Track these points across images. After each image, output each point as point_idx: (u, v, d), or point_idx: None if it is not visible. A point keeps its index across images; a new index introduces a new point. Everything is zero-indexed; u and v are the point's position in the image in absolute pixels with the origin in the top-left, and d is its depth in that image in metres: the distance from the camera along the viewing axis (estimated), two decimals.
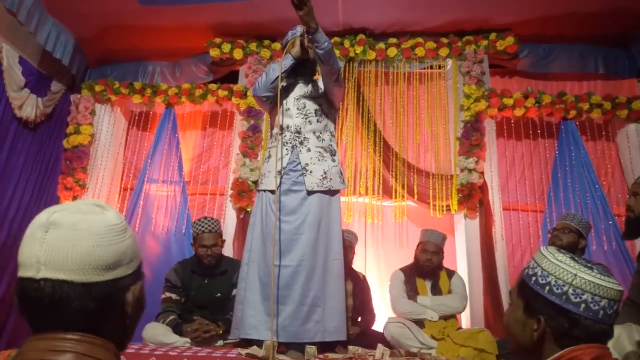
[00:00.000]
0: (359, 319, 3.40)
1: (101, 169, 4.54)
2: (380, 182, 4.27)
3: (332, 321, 2.46)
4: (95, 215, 0.82)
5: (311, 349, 2.35)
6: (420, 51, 4.38)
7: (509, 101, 4.18)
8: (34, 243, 0.78)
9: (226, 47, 4.51)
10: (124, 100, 4.71)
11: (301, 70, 2.71)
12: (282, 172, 2.57)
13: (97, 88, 4.60)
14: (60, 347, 0.77)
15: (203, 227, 3.10)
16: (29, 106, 4.03)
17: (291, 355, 2.35)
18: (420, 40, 4.39)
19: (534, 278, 1.10)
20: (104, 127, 4.65)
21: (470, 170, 4.06)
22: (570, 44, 4.43)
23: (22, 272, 0.78)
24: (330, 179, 2.60)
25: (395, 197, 4.25)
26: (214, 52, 4.52)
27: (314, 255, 2.49)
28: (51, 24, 4.14)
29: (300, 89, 2.72)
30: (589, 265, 1.06)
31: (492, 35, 4.33)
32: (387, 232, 4.42)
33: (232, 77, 4.71)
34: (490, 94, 4.22)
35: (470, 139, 4.13)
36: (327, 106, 2.73)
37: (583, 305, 1.02)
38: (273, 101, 2.65)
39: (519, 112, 4.20)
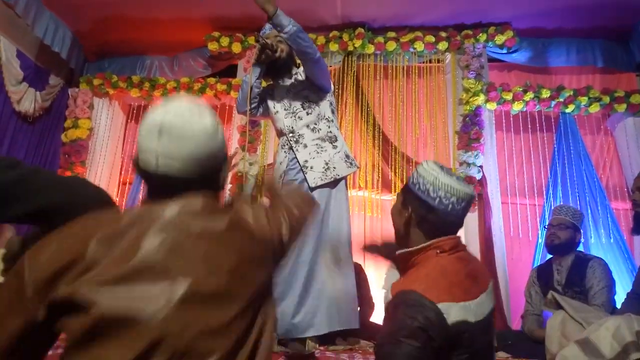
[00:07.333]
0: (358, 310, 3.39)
1: (100, 163, 4.54)
2: (380, 175, 4.28)
3: (343, 310, 2.46)
4: (196, 121, 1.02)
5: (312, 341, 2.36)
6: (419, 45, 4.37)
7: (507, 95, 4.18)
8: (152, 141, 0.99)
9: (225, 41, 4.50)
10: (122, 94, 4.69)
11: (275, 72, 2.69)
12: (283, 175, 2.59)
13: (95, 82, 4.58)
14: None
15: None
16: (27, 100, 4.02)
17: (292, 347, 2.35)
18: (419, 34, 4.39)
19: (411, 180, 1.44)
20: (102, 121, 4.64)
21: (469, 164, 4.06)
22: (568, 37, 4.43)
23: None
24: (334, 167, 2.55)
25: (395, 191, 4.25)
26: (212, 46, 4.51)
27: (317, 251, 2.48)
28: (48, 17, 4.12)
29: (282, 88, 2.70)
30: (450, 173, 1.39)
31: (491, 29, 4.33)
32: (386, 226, 4.41)
33: (231, 71, 4.70)
34: (489, 87, 4.22)
35: (469, 133, 4.13)
36: (314, 94, 2.64)
37: (437, 200, 1.36)
38: (256, 110, 2.71)
39: (517, 106, 4.21)
